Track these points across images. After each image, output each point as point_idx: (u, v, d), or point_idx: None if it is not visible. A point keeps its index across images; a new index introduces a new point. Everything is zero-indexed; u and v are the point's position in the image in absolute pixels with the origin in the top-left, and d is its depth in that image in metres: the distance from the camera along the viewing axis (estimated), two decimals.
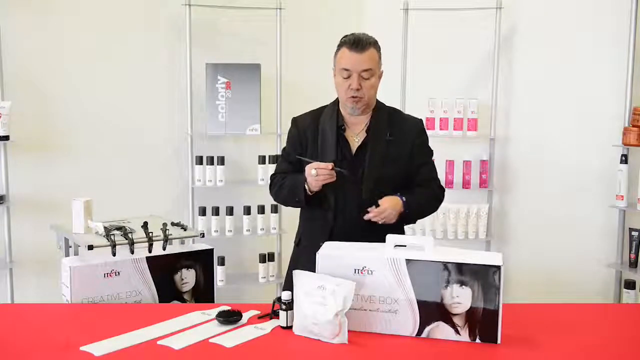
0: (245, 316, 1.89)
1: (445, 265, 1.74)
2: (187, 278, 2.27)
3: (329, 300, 1.72)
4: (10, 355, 1.67)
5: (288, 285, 2.21)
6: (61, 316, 1.99)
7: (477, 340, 1.73)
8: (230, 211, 3.82)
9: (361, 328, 1.79)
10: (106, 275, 2.11)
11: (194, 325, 1.85)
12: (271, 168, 3.34)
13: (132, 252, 2.18)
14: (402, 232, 2.36)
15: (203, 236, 2.48)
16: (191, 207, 3.82)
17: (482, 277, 1.72)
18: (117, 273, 2.13)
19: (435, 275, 1.74)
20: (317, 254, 1.83)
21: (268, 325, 1.84)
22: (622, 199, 3.56)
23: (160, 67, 3.87)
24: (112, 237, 2.20)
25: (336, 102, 2.38)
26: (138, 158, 3.84)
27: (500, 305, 1.72)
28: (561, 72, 3.83)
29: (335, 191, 2.27)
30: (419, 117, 2.44)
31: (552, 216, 3.90)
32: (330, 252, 1.84)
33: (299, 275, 1.80)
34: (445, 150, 3.79)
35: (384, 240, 1.83)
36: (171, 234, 2.29)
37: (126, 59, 3.77)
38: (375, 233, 2.08)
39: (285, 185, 2.36)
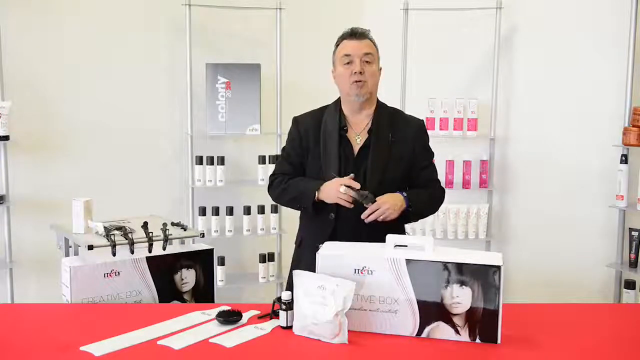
0: (245, 316, 1.89)
1: (445, 265, 1.74)
2: (187, 278, 2.27)
3: (329, 300, 1.72)
4: (10, 355, 1.67)
5: (289, 285, 2.21)
6: (61, 316, 1.99)
7: (477, 340, 1.73)
8: (230, 211, 3.82)
9: (361, 328, 1.79)
10: (106, 275, 2.11)
11: (194, 325, 1.85)
12: (271, 168, 3.34)
13: (132, 252, 2.18)
14: (402, 232, 2.36)
15: (203, 236, 2.48)
16: (191, 207, 3.82)
17: (482, 277, 1.72)
18: (117, 273, 2.13)
19: (435, 275, 1.74)
20: (317, 253, 1.83)
21: (268, 325, 1.84)
22: (622, 199, 3.56)
23: (160, 67, 3.87)
24: (112, 237, 2.20)
25: (338, 103, 2.38)
26: (138, 158, 3.84)
27: (500, 305, 1.72)
28: (561, 72, 3.83)
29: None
30: (420, 118, 2.44)
31: (552, 216, 3.90)
32: (330, 252, 1.84)
33: (299, 275, 1.80)
34: (445, 150, 3.79)
35: (384, 241, 1.83)
36: (171, 234, 2.29)
37: (126, 59, 3.77)
38: (376, 233, 2.08)
39: (290, 190, 2.34)
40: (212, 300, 2.31)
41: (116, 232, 2.25)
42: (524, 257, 3.91)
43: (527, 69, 3.92)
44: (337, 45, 2.34)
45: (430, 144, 2.43)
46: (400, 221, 2.28)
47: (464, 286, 1.73)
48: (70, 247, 2.39)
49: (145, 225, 2.32)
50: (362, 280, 1.78)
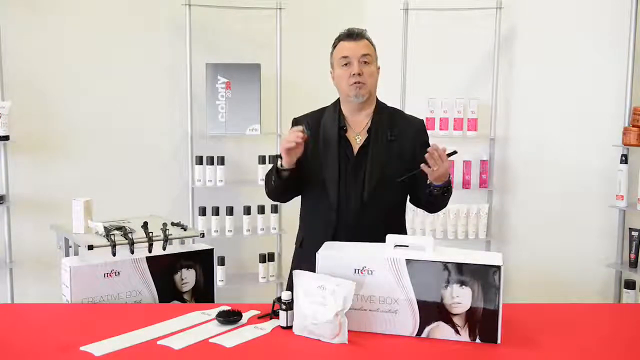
0: (245, 316, 1.89)
1: (445, 265, 1.74)
2: (187, 278, 2.27)
3: (329, 300, 1.72)
4: (10, 355, 1.67)
5: (290, 286, 2.20)
6: (61, 316, 1.99)
7: (477, 340, 1.73)
8: (230, 211, 3.82)
9: (361, 328, 1.79)
10: (106, 275, 2.11)
11: (194, 325, 1.85)
12: None
13: (132, 252, 2.18)
14: (402, 232, 2.36)
15: (203, 236, 2.47)
16: (191, 207, 3.82)
17: (482, 277, 1.72)
18: (117, 273, 2.13)
19: (435, 275, 1.74)
20: (317, 253, 1.83)
21: (268, 325, 1.84)
22: (622, 199, 3.57)
23: (160, 67, 3.87)
24: (112, 237, 2.20)
25: (337, 103, 2.38)
26: (138, 158, 3.84)
27: (500, 305, 1.72)
28: (561, 72, 3.83)
29: (337, 192, 2.27)
30: (420, 118, 2.44)
31: (552, 216, 3.90)
32: (330, 252, 1.84)
33: (299, 275, 1.80)
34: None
35: (384, 241, 1.83)
36: (171, 234, 2.29)
37: (126, 59, 3.77)
38: (376, 233, 2.07)
39: (270, 170, 2.35)
40: (212, 300, 2.31)
41: (116, 232, 2.25)
42: (524, 257, 3.91)
43: (527, 69, 3.92)
44: (334, 46, 2.33)
45: (431, 143, 2.42)
46: (443, 190, 2.22)
47: (464, 286, 1.73)
48: (70, 247, 2.39)
49: (145, 225, 2.32)
50: (362, 280, 1.78)
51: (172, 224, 2.45)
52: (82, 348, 1.68)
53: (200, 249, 2.32)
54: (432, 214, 3.74)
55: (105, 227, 2.27)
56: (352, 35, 2.28)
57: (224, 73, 3.83)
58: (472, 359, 1.67)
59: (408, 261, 1.76)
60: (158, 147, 3.90)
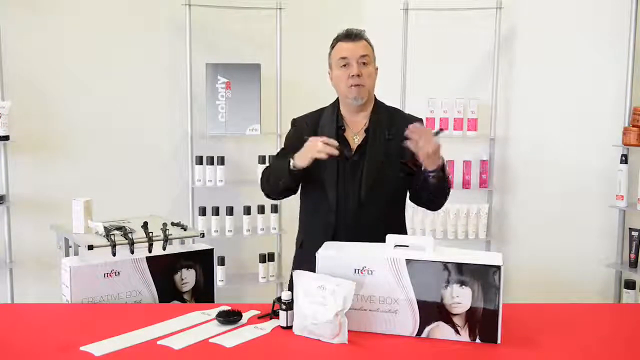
0: (245, 316, 1.89)
1: (445, 265, 1.74)
2: (187, 278, 2.27)
3: (329, 300, 1.72)
4: (10, 355, 1.67)
5: (291, 288, 2.20)
6: (61, 316, 1.99)
7: (477, 340, 1.73)
8: (230, 211, 3.82)
9: (361, 328, 1.79)
10: (106, 275, 2.11)
11: (194, 325, 1.85)
12: None
13: (132, 252, 2.18)
14: (402, 231, 2.36)
15: (203, 236, 2.47)
16: (191, 207, 3.82)
17: (482, 277, 1.72)
18: (117, 273, 2.13)
19: (435, 275, 1.74)
20: (316, 253, 1.83)
21: (268, 325, 1.84)
22: (622, 199, 3.57)
23: (160, 67, 3.87)
24: (112, 237, 2.20)
25: (335, 104, 2.38)
26: (138, 158, 3.84)
27: (500, 305, 1.72)
28: (561, 72, 3.83)
29: (336, 192, 2.27)
30: (420, 117, 2.44)
31: (552, 216, 3.90)
32: (330, 252, 1.84)
33: (299, 275, 1.80)
34: (445, 150, 3.77)
35: (384, 241, 1.83)
36: (171, 234, 2.29)
37: (126, 59, 3.77)
38: (376, 233, 2.07)
39: (270, 170, 2.35)
40: (212, 300, 2.31)
41: (116, 232, 2.25)
42: (524, 257, 3.91)
43: (527, 69, 3.92)
44: (332, 47, 2.32)
45: None
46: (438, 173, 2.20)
47: (464, 286, 1.73)
48: (70, 247, 2.39)
49: (145, 225, 2.32)
50: (362, 280, 1.78)
51: (172, 224, 2.45)
52: (82, 348, 1.68)
53: (200, 249, 2.32)
54: (432, 213, 3.74)
55: (105, 227, 2.27)
56: (351, 36, 2.28)
57: (224, 73, 3.83)
58: (472, 359, 1.67)
59: (408, 261, 1.76)
60: (158, 147, 3.90)
